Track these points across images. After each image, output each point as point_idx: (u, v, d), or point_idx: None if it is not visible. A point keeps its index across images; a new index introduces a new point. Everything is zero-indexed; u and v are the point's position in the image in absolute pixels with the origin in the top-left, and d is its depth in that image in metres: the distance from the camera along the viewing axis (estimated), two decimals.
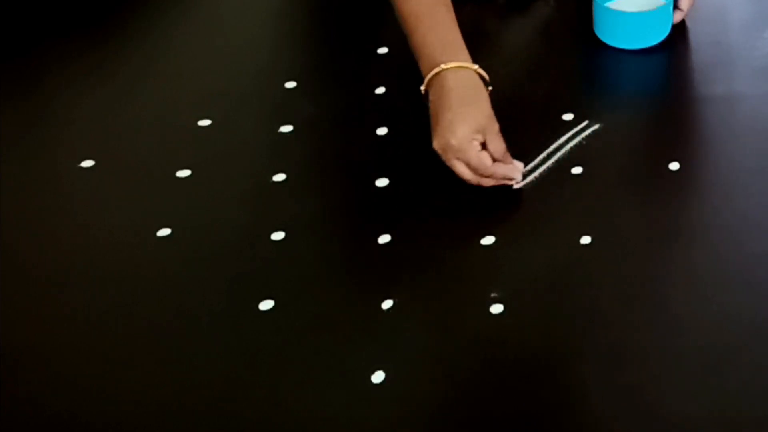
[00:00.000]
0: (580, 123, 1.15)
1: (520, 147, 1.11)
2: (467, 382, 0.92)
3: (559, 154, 1.12)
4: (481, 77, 1.09)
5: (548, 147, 1.12)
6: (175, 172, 1.11)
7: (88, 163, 1.12)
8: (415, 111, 1.16)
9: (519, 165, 1.09)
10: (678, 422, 0.88)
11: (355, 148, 1.14)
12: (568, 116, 1.16)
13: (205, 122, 1.17)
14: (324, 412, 0.90)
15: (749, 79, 1.20)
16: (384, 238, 1.04)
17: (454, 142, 1.05)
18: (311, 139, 1.13)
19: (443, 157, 1.07)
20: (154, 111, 1.19)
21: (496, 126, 1.07)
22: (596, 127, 1.14)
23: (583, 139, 1.13)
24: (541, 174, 1.10)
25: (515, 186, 1.08)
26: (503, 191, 1.08)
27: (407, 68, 1.22)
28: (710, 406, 0.89)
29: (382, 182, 1.10)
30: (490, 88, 1.09)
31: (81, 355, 0.95)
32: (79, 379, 0.93)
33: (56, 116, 1.19)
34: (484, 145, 1.06)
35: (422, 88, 1.09)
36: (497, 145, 1.07)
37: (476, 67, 1.09)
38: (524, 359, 0.93)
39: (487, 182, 1.07)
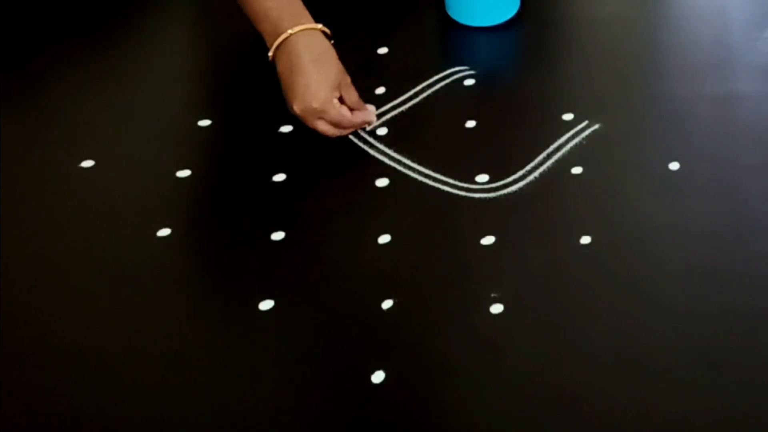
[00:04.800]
0: (580, 123, 1.15)
1: (520, 147, 1.12)
2: (467, 382, 0.92)
3: (559, 154, 1.12)
4: (325, 34, 1.12)
5: (548, 147, 1.12)
6: (175, 172, 1.11)
7: (88, 163, 1.12)
8: (415, 111, 1.17)
9: (372, 108, 1.15)
10: (679, 420, 0.88)
11: (355, 148, 1.14)
12: (568, 116, 1.16)
13: (205, 122, 1.17)
14: (324, 412, 0.90)
15: (749, 79, 1.20)
16: (384, 238, 1.04)
17: (316, 104, 1.09)
18: (311, 139, 1.13)
19: (305, 120, 1.10)
20: (154, 111, 1.19)
21: (348, 78, 1.12)
22: (596, 127, 1.15)
23: (583, 139, 1.13)
24: (541, 174, 1.10)
25: (368, 128, 1.14)
26: (503, 191, 1.08)
27: (407, 68, 1.23)
28: (711, 405, 0.89)
29: (382, 182, 1.10)
30: (333, 41, 1.12)
31: (80, 355, 0.95)
32: (78, 379, 0.93)
33: (56, 116, 1.19)
34: (340, 99, 1.11)
35: (270, 55, 1.12)
36: (352, 95, 1.12)
37: (320, 26, 1.12)
38: (524, 359, 0.93)
39: (347, 132, 1.13)
